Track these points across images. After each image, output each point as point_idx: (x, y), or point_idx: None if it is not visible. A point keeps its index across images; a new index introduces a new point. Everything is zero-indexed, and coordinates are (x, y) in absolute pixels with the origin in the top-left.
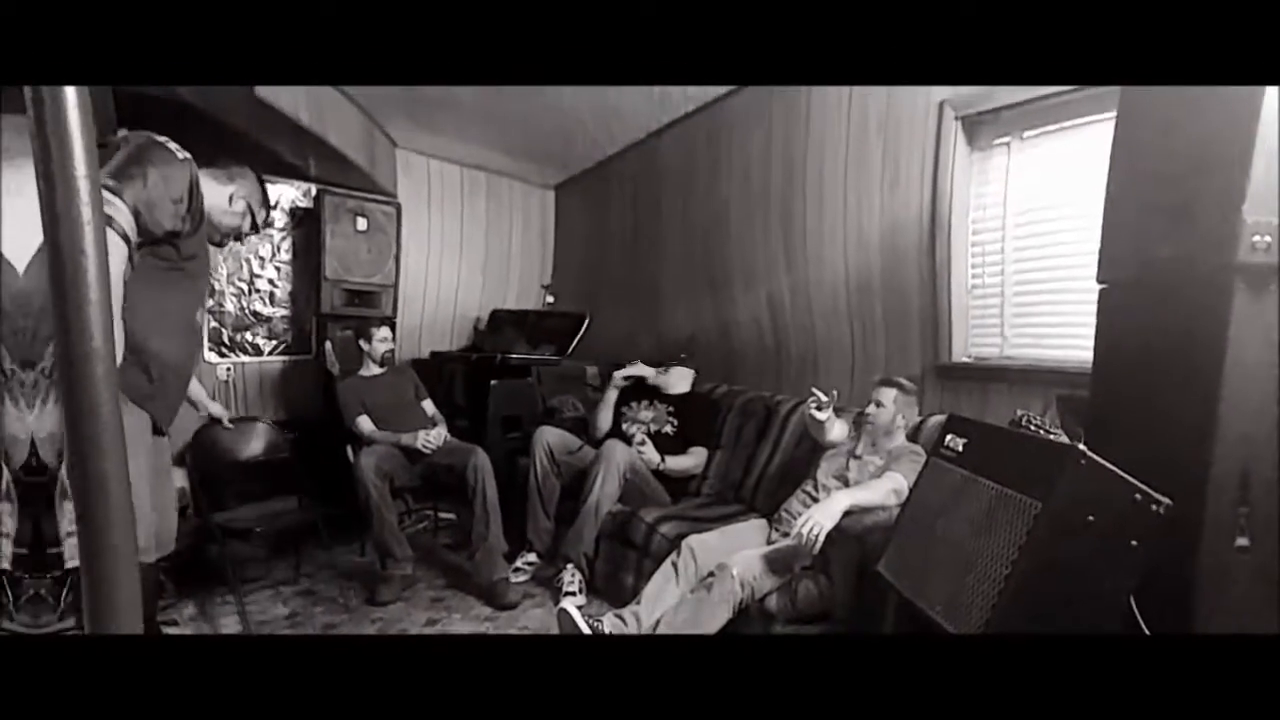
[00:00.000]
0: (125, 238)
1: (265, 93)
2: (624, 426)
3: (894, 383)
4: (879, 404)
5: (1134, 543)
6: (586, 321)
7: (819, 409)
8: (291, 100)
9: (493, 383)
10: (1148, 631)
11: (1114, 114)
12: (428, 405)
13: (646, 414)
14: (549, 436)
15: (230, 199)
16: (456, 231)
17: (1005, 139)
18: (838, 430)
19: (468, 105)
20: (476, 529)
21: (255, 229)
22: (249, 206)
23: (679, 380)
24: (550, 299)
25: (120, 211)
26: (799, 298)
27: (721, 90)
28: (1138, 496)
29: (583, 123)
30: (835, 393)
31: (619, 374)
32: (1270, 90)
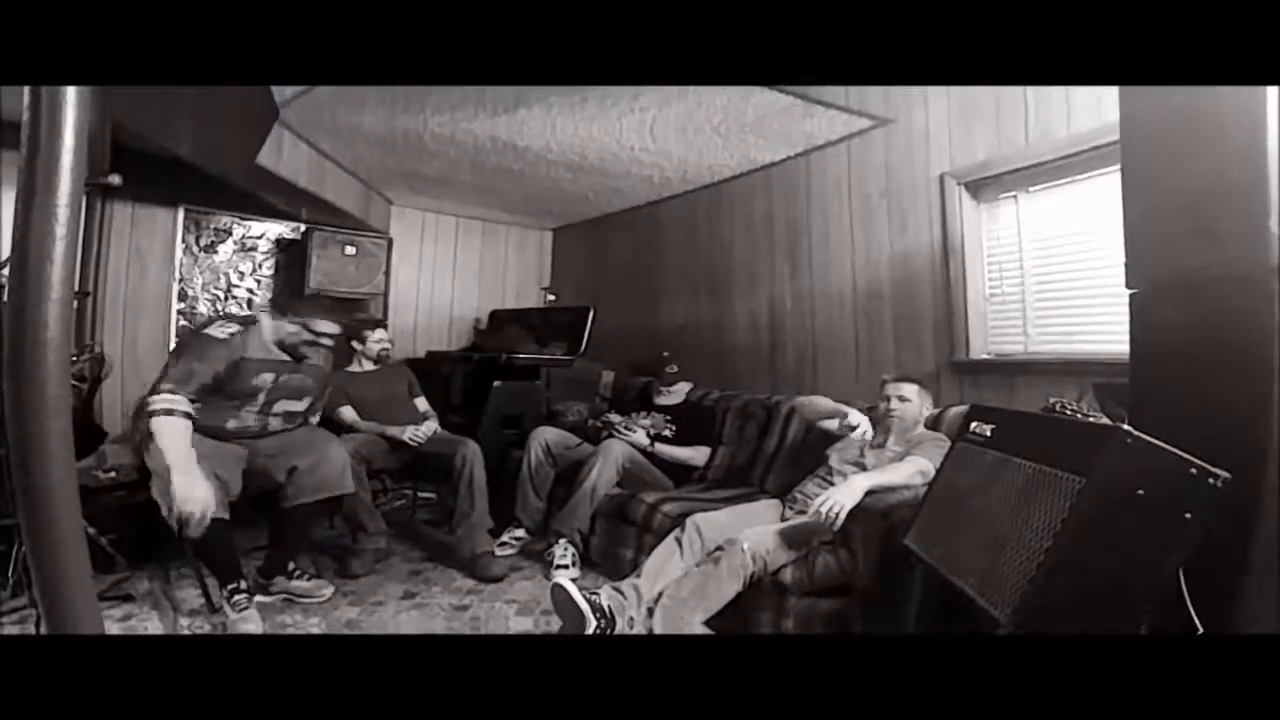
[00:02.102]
0: (189, 416)
1: (266, 160)
2: (618, 430)
3: (912, 378)
4: (903, 399)
5: (1188, 515)
6: (592, 314)
7: (841, 431)
8: (292, 168)
9: (495, 383)
10: (1191, 607)
11: (1115, 167)
12: (420, 403)
13: (644, 421)
14: (547, 434)
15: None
16: (450, 255)
17: (1011, 194)
18: (857, 419)
19: (468, 184)
20: (460, 507)
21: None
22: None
23: (675, 394)
24: (551, 297)
25: (183, 404)
26: (801, 301)
27: (720, 175)
28: (1193, 471)
29: (584, 197)
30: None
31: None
32: (1272, 114)
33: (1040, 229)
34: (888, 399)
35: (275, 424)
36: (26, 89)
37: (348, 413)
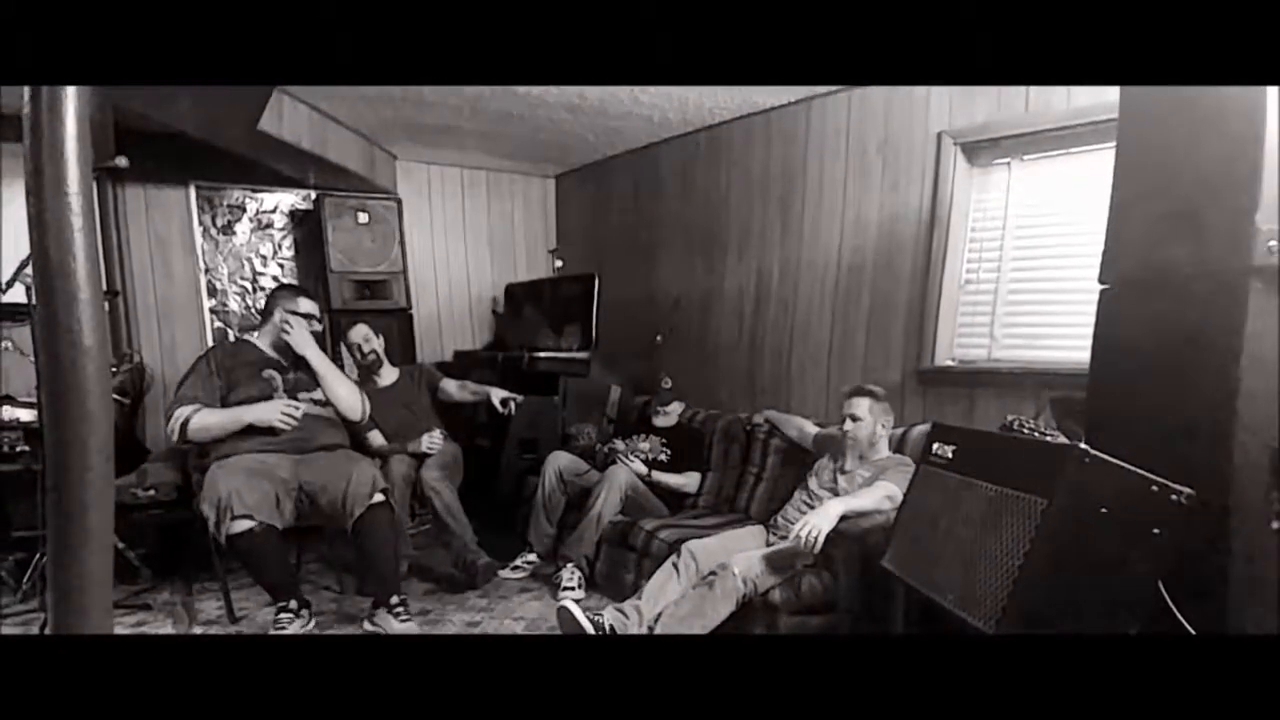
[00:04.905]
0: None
1: (268, 125)
2: (620, 457)
3: (866, 391)
4: (855, 417)
5: (1156, 530)
6: (597, 281)
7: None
8: (294, 131)
9: (520, 398)
10: (1179, 615)
11: (1111, 144)
12: (447, 384)
13: (644, 445)
14: (561, 460)
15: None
16: (459, 215)
17: (1005, 160)
18: (808, 426)
19: (469, 130)
20: (441, 534)
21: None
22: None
23: (670, 414)
24: (559, 263)
25: (194, 405)
26: (787, 276)
27: (720, 118)
28: (1154, 488)
29: (583, 137)
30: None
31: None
32: (1272, 110)
33: (1027, 208)
34: (844, 419)
35: (313, 410)
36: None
37: (376, 438)
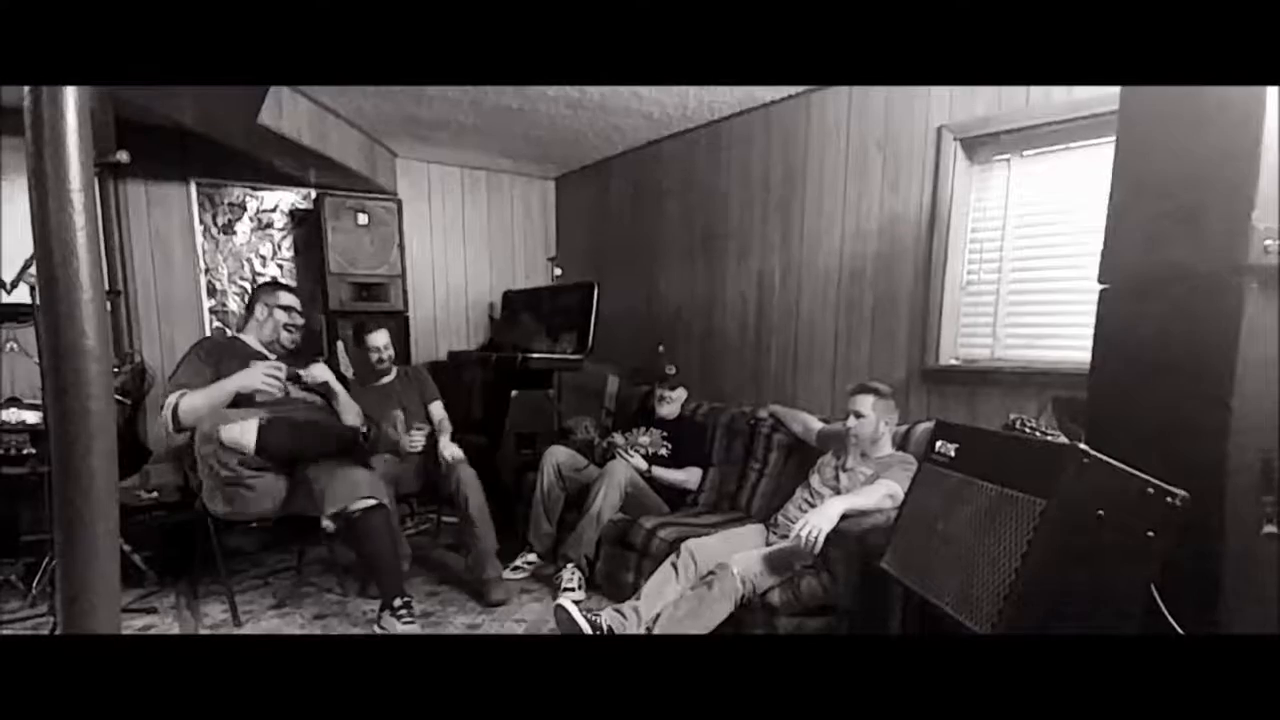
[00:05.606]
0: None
1: (268, 119)
2: (620, 451)
3: (869, 388)
4: (858, 414)
5: (1150, 533)
6: (596, 289)
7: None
8: (294, 125)
9: (513, 393)
10: (1171, 618)
11: (1111, 138)
12: (435, 408)
13: (644, 439)
14: (559, 455)
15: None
16: (459, 217)
17: (1005, 156)
18: (813, 421)
19: (468, 125)
20: (467, 536)
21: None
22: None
23: (674, 402)
24: (558, 271)
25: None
26: (789, 279)
27: (720, 113)
28: (1149, 490)
29: (583, 134)
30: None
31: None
32: (1271, 107)
33: (1027, 206)
34: (847, 415)
35: (298, 394)
36: None
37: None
